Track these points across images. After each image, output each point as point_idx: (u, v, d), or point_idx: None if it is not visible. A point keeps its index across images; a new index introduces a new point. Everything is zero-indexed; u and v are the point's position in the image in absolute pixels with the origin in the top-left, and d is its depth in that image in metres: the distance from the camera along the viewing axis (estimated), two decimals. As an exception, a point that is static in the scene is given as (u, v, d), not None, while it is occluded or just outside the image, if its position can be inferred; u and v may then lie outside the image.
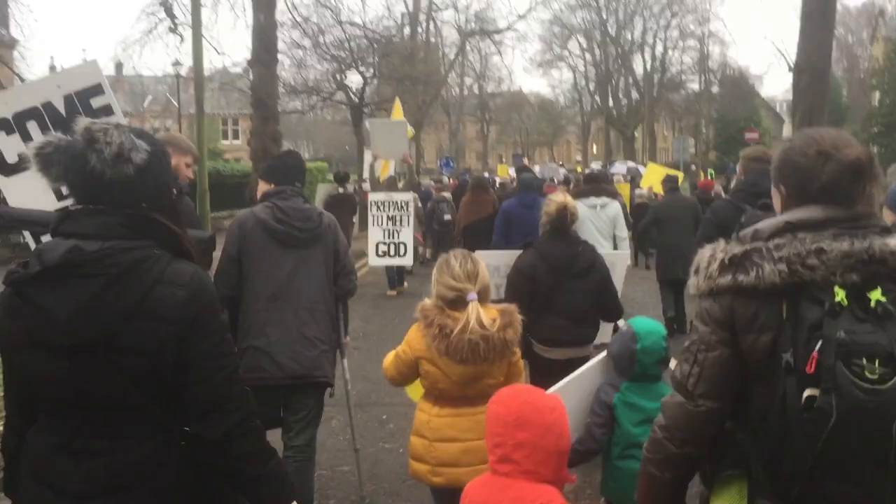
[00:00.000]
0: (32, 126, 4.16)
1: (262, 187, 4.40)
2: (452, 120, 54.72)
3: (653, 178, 18.63)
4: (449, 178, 24.08)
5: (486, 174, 24.63)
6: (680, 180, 17.29)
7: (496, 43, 48.14)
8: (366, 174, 14.80)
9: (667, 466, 2.12)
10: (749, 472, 2.00)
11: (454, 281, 3.38)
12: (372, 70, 26.72)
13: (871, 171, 1.96)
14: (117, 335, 1.92)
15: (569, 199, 5.16)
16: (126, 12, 66.09)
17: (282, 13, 21.92)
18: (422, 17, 38.51)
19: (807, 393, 1.76)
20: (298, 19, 24.42)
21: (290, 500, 2.18)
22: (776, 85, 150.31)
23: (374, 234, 11.22)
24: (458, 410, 3.42)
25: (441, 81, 38.02)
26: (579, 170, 43.28)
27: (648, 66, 54.44)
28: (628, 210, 13.43)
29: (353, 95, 27.13)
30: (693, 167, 32.86)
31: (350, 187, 14.49)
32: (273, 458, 2.16)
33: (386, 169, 13.89)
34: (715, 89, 51.73)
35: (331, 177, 19.40)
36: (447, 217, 14.53)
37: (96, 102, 4.30)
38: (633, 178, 22.97)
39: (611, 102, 56.63)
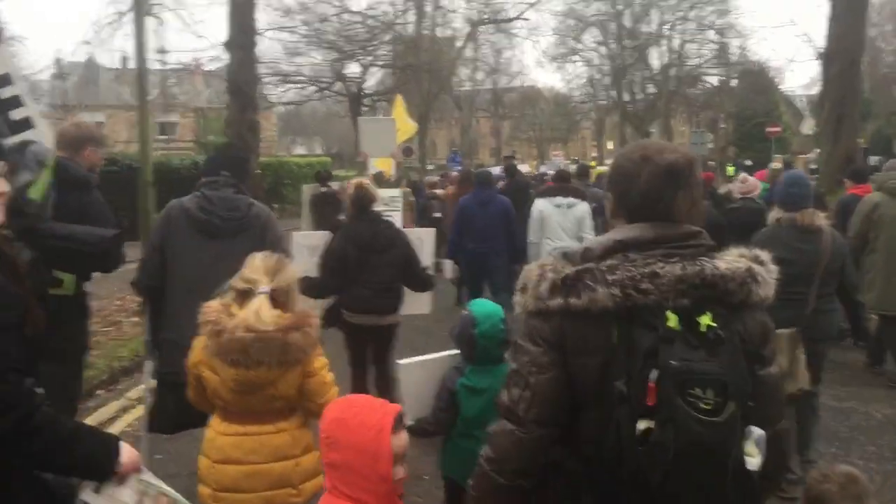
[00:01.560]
0: None
1: (203, 178, 4.39)
2: (464, 115, 53.79)
3: None
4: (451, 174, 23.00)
5: (498, 169, 23.42)
6: None
7: (507, 34, 47.03)
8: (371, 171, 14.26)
9: (497, 502, 1.99)
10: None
11: (249, 272, 3.13)
12: (370, 59, 25.36)
13: (689, 175, 1.93)
14: None
15: (364, 180, 6.03)
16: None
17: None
18: (427, 7, 37.16)
19: (642, 425, 1.70)
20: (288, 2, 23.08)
21: (109, 461, 2.17)
22: (797, 79, 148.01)
23: None
24: (245, 428, 3.11)
25: (448, 72, 36.82)
26: (593, 165, 42.09)
27: (665, 60, 52.88)
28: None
29: (350, 86, 25.78)
30: (710, 163, 31.41)
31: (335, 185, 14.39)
32: (75, 441, 2.12)
33: (388, 167, 14.05)
34: (734, 83, 50.11)
35: (343, 172, 19.62)
36: (437, 214, 14.21)
37: (5, 93, 4.24)
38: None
39: (626, 97, 55.21)
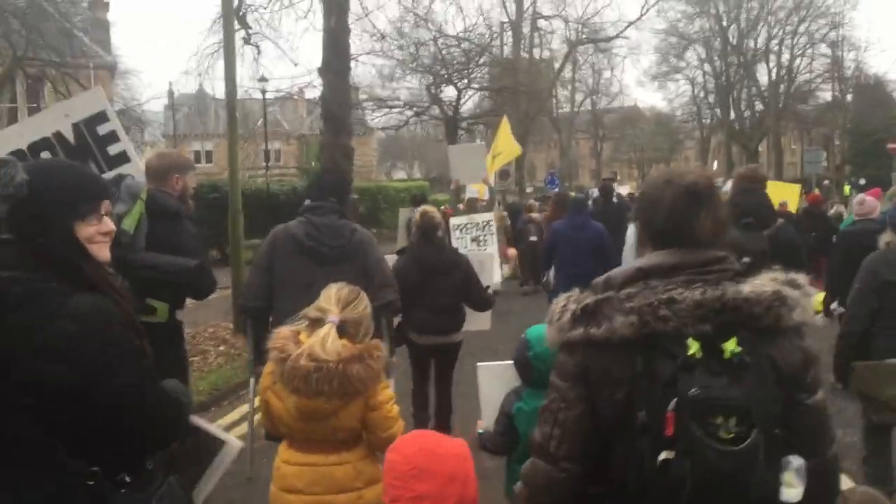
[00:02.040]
0: (45, 157, 4.31)
1: (308, 203, 4.53)
2: (563, 137, 53.34)
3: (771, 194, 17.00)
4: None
5: (596, 191, 22.90)
6: (796, 196, 16.00)
7: (606, 53, 46.28)
8: (470, 194, 14.79)
9: None
10: None
11: (323, 301, 3.15)
12: (466, 81, 25.18)
13: (710, 195, 1.92)
14: (11, 371, 1.91)
15: (430, 208, 6.33)
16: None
17: (364, 21, 20.77)
18: (525, 28, 36.88)
19: (662, 456, 1.68)
20: (379, 28, 23.15)
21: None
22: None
23: None
24: (307, 458, 3.10)
25: (546, 93, 36.41)
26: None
27: (773, 75, 50.91)
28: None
29: (446, 109, 25.65)
30: (826, 182, 29.86)
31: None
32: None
33: (482, 192, 14.27)
34: (848, 98, 47.75)
35: (441, 196, 19.36)
36: (533, 238, 14.37)
37: (102, 129, 4.53)
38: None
39: (732, 115, 53.43)
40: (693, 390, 1.66)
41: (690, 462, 1.64)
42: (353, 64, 16.78)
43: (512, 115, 26.81)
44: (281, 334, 3.11)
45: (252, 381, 4.96)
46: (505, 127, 15.42)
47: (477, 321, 6.26)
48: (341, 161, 13.79)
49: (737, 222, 4.39)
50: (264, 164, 33.48)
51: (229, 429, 6.96)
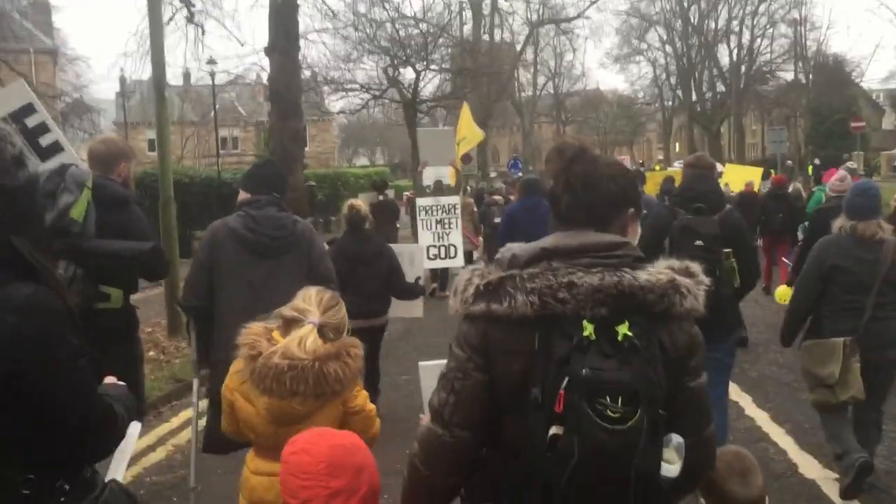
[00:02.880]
0: None
1: (241, 196, 4.46)
2: (526, 121, 52.96)
3: (730, 177, 17.89)
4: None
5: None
6: (758, 178, 16.16)
7: (568, 35, 45.87)
8: (427, 181, 14.70)
9: (430, 497, 2.11)
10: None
11: (302, 302, 3.00)
12: (425, 63, 24.39)
13: (582, 155, 2.01)
14: None
15: (357, 202, 6.90)
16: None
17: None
18: (485, 9, 36.17)
19: (552, 431, 1.77)
20: (330, 6, 22.24)
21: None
22: (875, 72, 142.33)
23: (425, 238, 11.31)
24: (277, 466, 2.59)
25: (508, 75, 35.77)
26: (657, 168, 40.48)
27: (734, 56, 50.88)
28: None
29: (405, 92, 24.84)
30: (789, 163, 29.64)
31: (390, 193, 14.99)
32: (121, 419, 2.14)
33: (452, 176, 13.84)
34: (805, 77, 47.76)
35: (404, 182, 20.71)
36: (497, 220, 13.93)
37: (31, 121, 4.52)
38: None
39: (694, 96, 53.38)
40: (585, 370, 1.74)
41: (578, 438, 1.72)
42: (303, 44, 15.99)
43: (473, 97, 26.31)
44: (252, 330, 2.95)
45: (196, 383, 4.76)
46: (466, 112, 15.44)
47: (406, 308, 6.73)
48: (291, 146, 13.03)
49: (688, 207, 4.73)
50: (220, 151, 32.52)
51: (171, 437, 6.68)
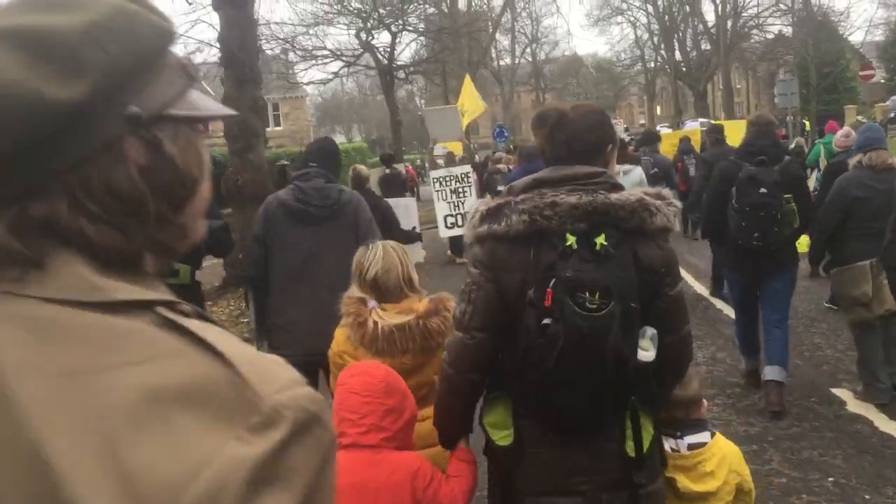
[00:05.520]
0: None
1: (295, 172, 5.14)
2: (505, 90, 51.34)
3: (731, 133, 16.23)
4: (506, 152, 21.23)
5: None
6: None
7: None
8: (438, 150, 15.50)
9: (459, 395, 2.48)
10: (512, 393, 2.37)
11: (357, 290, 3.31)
12: (401, 24, 22.43)
13: (559, 120, 2.42)
14: None
15: (359, 165, 8.26)
16: None
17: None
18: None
19: (543, 321, 2.15)
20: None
21: None
22: (854, 23, 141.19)
23: (441, 208, 12.16)
24: None
25: (487, 39, 34.04)
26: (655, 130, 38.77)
27: (720, 10, 49.20)
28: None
29: (381, 57, 22.91)
30: (789, 118, 28.04)
31: (400, 167, 16.17)
32: None
33: (459, 149, 14.81)
34: (793, 31, 46.17)
35: (378, 158, 20.99)
36: (500, 188, 12.61)
37: None
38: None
39: (678, 56, 51.75)
40: (567, 272, 2.13)
41: (563, 325, 2.12)
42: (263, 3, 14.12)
43: (454, 62, 24.63)
44: (352, 299, 3.18)
45: (258, 346, 5.09)
46: (468, 85, 16.52)
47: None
48: (250, 118, 11.12)
49: (751, 160, 5.34)
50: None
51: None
